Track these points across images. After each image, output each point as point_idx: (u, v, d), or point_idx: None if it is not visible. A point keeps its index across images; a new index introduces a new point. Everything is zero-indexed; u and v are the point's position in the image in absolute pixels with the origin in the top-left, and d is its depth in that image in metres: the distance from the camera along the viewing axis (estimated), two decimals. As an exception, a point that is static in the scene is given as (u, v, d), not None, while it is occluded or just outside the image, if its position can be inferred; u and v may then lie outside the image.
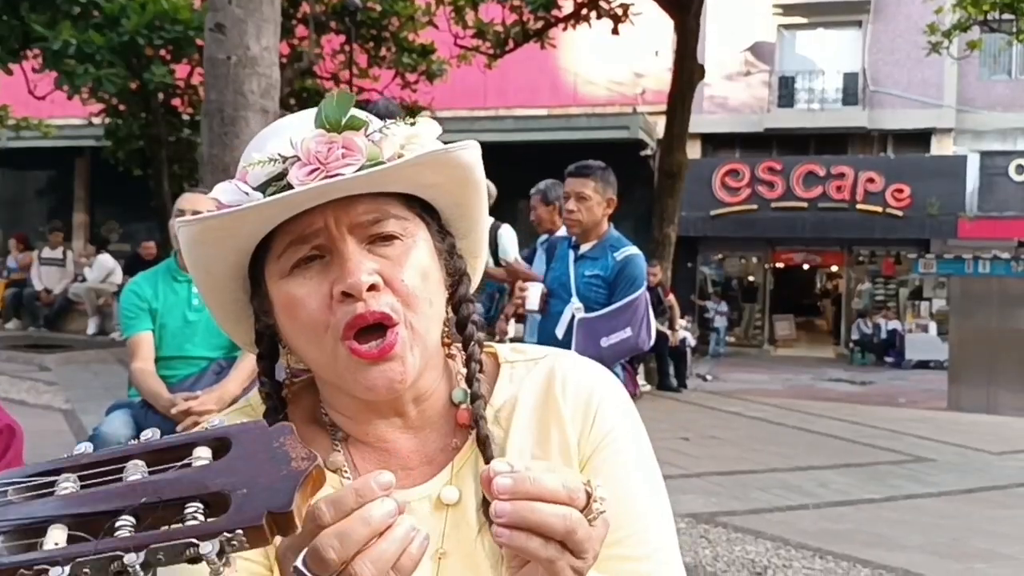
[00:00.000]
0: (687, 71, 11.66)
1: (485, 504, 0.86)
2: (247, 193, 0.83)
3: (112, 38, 10.61)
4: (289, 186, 0.82)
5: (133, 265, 13.73)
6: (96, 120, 15.04)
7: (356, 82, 13.53)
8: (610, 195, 3.77)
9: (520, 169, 9.60)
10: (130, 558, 0.53)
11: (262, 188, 0.83)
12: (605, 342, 3.58)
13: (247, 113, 4.04)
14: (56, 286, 13.51)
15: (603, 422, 0.94)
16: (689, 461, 6.36)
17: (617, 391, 0.98)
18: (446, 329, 0.94)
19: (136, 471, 0.58)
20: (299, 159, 0.82)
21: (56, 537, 0.55)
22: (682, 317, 13.26)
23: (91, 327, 12.53)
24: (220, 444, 0.60)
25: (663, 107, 12.63)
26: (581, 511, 0.69)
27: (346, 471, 0.91)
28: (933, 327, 18.12)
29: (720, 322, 19.20)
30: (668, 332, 10.59)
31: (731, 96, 20.05)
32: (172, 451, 0.60)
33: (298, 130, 0.84)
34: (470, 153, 0.88)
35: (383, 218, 0.86)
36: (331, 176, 0.81)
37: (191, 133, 14.00)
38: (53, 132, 15.41)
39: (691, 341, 13.50)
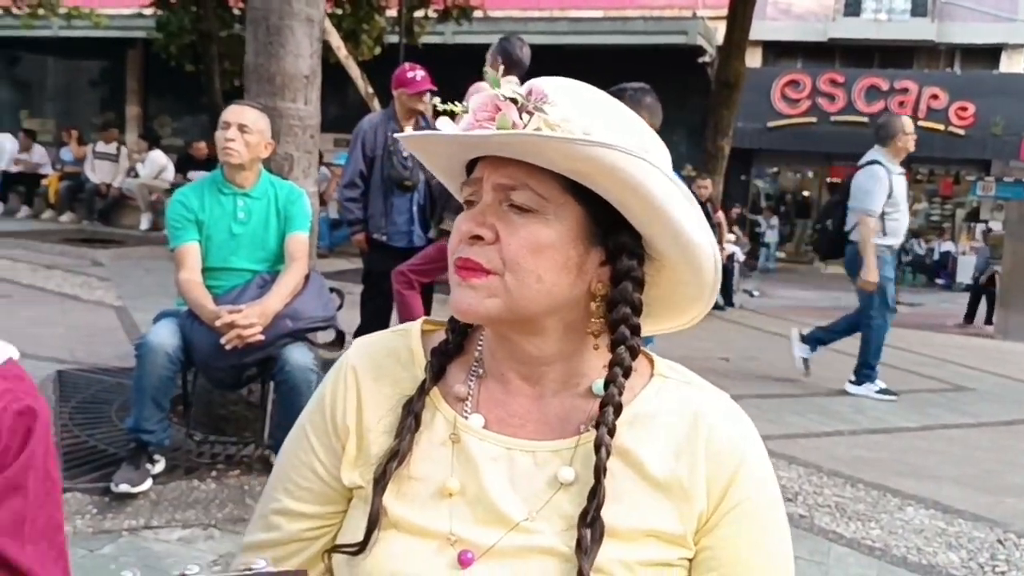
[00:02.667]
0: (750, -25, 11.20)
1: (592, 495, 0.90)
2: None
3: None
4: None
5: (185, 164, 13.89)
6: (147, 12, 14.95)
7: (407, -21, 13.23)
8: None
9: (573, 74, 9.28)
10: None
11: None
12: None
13: (292, 22, 3.98)
14: (110, 180, 13.72)
15: (739, 489, 0.95)
16: (727, 383, 6.32)
17: (760, 457, 0.99)
18: (597, 321, 0.97)
19: None
20: (467, 110, 0.92)
21: None
22: (731, 231, 13.10)
23: (144, 223, 12.77)
24: None
25: (724, 12, 12.19)
26: None
27: (467, 405, 1.00)
28: (987, 251, 17.70)
29: (771, 237, 18.95)
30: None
31: (796, 2, 19.29)
32: None
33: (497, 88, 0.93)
34: (608, 154, 0.87)
35: (518, 187, 0.92)
36: (469, 131, 0.91)
37: (242, 29, 13.83)
38: (104, 22, 15.34)
39: (740, 256, 13.37)
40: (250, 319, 3.26)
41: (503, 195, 0.92)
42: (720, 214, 10.83)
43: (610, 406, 0.93)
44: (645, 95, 3.74)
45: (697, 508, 0.94)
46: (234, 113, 3.51)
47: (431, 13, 14.40)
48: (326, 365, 3.81)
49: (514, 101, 0.89)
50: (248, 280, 3.54)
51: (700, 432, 0.96)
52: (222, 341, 3.24)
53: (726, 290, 11.42)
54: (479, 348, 1.04)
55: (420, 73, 5.28)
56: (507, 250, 0.92)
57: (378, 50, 13.78)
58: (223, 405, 4.11)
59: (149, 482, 3.44)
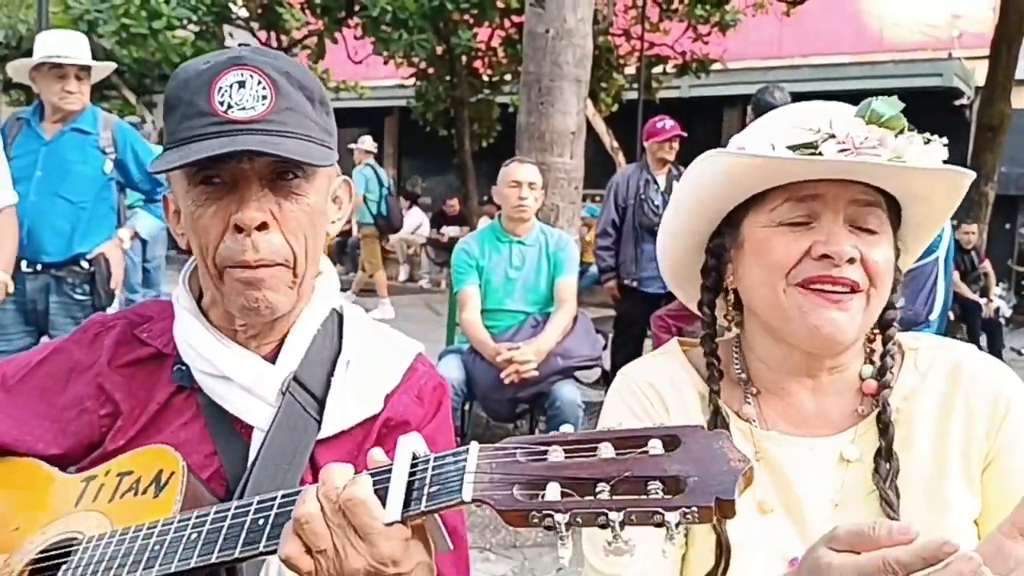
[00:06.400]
0: (1015, 11, 10.50)
1: (875, 469, 0.99)
2: (773, 147, 0.97)
3: (423, 4, 11.38)
4: (819, 154, 0.95)
5: (439, 220, 14.85)
6: (406, 83, 16.20)
7: (647, 37, 13.51)
8: None
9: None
10: (613, 516, 0.69)
11: (792, 148, 0.96)
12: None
13: (562, 83, 4.26)
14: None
15: (1014, 423, 1.01)
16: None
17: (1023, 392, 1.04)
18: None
19: (606, 451, 0.73)
20: (835, 136, 0.95)
21: (553, 492, 0.72)
22: (997, 284, 12.15)
23: (402, 274, 13.70)
24: (671, 440, 0.73)
25: (983, 51, 11.50)
26: None
27: (755, 421, 1.07)
28: None
29: (1041, 290, 17.30)
30: (981, 301, 9.76)
31: (1068, 35, 17.73)
32: (633, 440, 0.74)
33: (837, 115, 0.98)
34: (967, 181, 0.98)
35: (873, 204, 0.98)
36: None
37: (490, 94, 14.71)
38: (368, 93, 16.78)
39: (1006, 311, 12.34)
40: (526, 356, 3.51)
41: (851, 214, 0.98)
42: (987, 263, 10.10)
43: (889, 389, 1.03)
44: None
45: (977, 454, 0.99)
46: (521, 172, 3.80)
47: (669, 68, 14.59)
48: (588, 404, 3.96)
49: (890, 127, 0.96)
50: (522, 321, 3.79)
51: (964, 378, 1.02)
52: (502, 376, 3.50)
53: (993, 348, 10.56)
54: (736, 367, 1.09)
55: (668, 123, 5.46)
56: (874, 267, 0.98)
57: (615, 107, 14.13)
58: (491, 440, 4.35)
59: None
